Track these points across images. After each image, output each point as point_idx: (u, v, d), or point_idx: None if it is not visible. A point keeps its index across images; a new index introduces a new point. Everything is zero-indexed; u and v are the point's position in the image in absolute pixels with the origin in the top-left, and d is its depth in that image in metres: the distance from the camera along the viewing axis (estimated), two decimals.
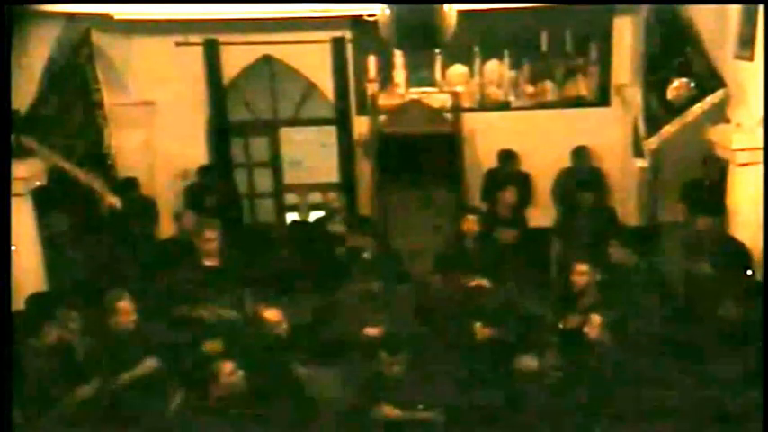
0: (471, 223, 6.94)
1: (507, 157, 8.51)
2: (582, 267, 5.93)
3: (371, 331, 5.92)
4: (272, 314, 5.50)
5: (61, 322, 5.27)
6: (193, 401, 4.89)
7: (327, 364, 5.72)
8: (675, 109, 6.47)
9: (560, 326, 5.79)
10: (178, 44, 8.47)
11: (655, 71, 6.53)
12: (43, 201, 6.85)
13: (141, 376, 5.27)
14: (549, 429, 4.76)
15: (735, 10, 6.26)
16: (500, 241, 7.39)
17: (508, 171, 8.49)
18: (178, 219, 7.46)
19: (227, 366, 4.79)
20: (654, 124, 6.58)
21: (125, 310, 5.31)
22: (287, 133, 9.34)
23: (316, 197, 9.14)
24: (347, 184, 8.84)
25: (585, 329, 5.31)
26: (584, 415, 4.75)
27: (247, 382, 4.83)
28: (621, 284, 6.05)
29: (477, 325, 5.88)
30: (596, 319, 5.31)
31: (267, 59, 8.75)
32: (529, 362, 5.06)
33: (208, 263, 6.36)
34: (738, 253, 6.08)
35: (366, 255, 6.72)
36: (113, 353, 5.25)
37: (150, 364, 5.34)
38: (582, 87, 8.84)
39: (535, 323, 6.13)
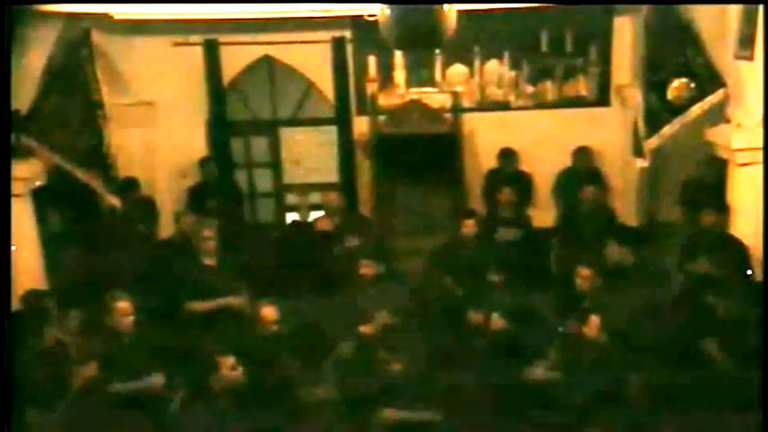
0: (469, 227, 6.95)
1: (507, 155, 8.51)
2: (585, 271, 5.92)
3: (366, 330, 5.91)
4: (268, 312, 5.51)
5: (59, 321, 5.27)
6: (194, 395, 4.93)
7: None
8: (675, 109, 6.48)
9: (560, 329, 5.77)
10: (178, 44, 8.46)
11: (655, 71, 6.54)
12: (43, 201, 6.85)
13: (144, 389, 5.21)
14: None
15: (735, 10, 6.26)
16: (499, 240, 7.39)
17: (508, 170, 8.49)
18: (178, 220, 7.46)
19: (229, 360, 4.82)
20: (654, 124, 6.58)
21: (124, 310, 5.30)
22: (287, 133, 9.34)
23: (316, 197, 9.14)
24: (347, 184, 8.84)
25: (584, 330, 5.31)
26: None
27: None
28: (621, 284, 6.05)
29: (495, 316, 5.83)
30: (594, 319, 5.30)
31: (267, 59, 8.74)
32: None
33: (207, 262, 6.37)
34: (738, 253, 6.08)
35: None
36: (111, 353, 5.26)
37: (156, 380, 5.26)
38: (582, 87, 8.84)
39: (538, 324, 6.12)
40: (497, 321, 5.76)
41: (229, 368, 4.82)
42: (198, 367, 5.01)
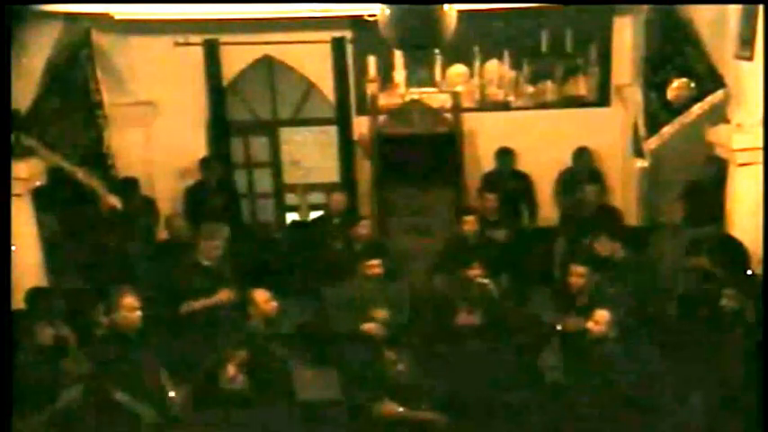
0: (470, 224, 7.00)
1: (503, 154, 8.49)
2: (579, 269, 5.93)
3: (370, 327, 5.94)
4: (260, 296, 5.55)
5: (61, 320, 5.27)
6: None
7: (328, 363, 5.72)
8: (675, 109, 6.48)
9: (558, 327, 5.77)
10: (178, 44, 8.46)
11: (655, 71, 6.53)
12: (43, 201, 6.85)
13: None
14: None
15: (735, 10, 6.26)
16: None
17: (506, 170, 8.48)
18: (168, 223, 7.46)
19: (231, 370, 4.81)
20: (654, 124, 6.58)
21: (130, 306, 5.28)
22: (287, 133, 9.33)
23: (316, 197, 9.14)
24: (347, 184, 8.84)
25: (589, 326, 5.27)
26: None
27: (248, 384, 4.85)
28: (618, 281, 6.07)
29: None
30: (602, 315, 5.26)
31: (267, 59, 8.74)
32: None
33: (206, 262, 6.37)
34: (737, 253, 6.08)
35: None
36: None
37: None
38: (582, 87, 8.83)
39: (533, 322, 6.13)
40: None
41: (230, 378, 4.80)
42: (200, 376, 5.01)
